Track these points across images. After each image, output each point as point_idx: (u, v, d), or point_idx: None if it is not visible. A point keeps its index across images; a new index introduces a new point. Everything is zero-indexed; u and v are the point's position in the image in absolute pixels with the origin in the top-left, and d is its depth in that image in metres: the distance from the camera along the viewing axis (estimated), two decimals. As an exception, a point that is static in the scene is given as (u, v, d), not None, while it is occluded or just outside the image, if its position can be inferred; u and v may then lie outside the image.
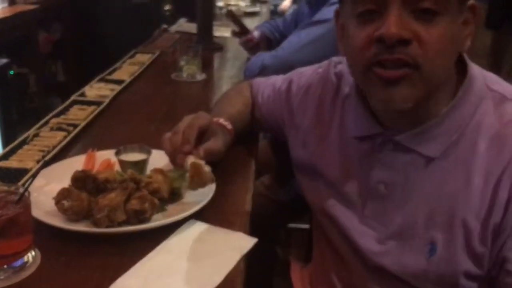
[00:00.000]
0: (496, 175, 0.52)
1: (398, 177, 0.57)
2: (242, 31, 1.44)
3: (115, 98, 1.07)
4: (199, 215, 0.61)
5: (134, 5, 2.78)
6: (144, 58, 1.42)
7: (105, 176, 0.61)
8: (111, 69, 1.28)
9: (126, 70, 1.28)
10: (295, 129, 0.72)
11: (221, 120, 0.75)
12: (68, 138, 0.84)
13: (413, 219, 0.56)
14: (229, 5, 2.59)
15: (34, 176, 0.58)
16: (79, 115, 0.94)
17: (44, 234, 0.55)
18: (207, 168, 0.62)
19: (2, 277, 0.50)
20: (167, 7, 2.25)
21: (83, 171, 0.62)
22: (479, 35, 1.78)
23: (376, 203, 0.60)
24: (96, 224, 0.56)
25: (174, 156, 0.65)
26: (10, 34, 1.98)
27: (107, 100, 1.03)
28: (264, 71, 1.15)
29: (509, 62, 1.63)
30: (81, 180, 0.61)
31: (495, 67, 1.72)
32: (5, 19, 1.94)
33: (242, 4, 2.69)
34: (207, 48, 1.49)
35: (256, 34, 1.44)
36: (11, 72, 1.86)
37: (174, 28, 1.95)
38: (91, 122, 0.93)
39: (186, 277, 0.51)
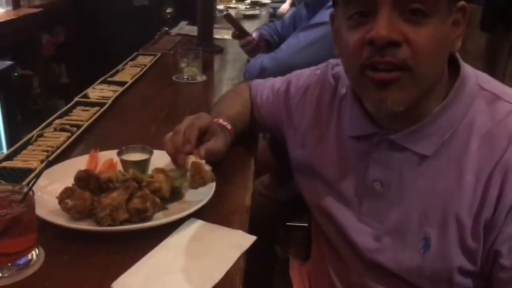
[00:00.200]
0: (487, 172, 0.52)
1: (393, 176, 0.58)
2: (241, 34, 1.46)
3: (117, 99, 1.08)
4: (199, 214, 0.61)
5: (136, 8, 2.80)
6: (145, 60, 1.44)
7: (108, 176, 0.62)
8: (113, 71, 1.30)
9: (128, 72, 1.29)
10: (293, 129, 0.73)
11: (221, 121, 0.76)
12: (72, 139, 0.85)
13: (408, 216, 0.57)
14: (229, 7, 2.61)
15: (38, 175, 0.59)
16: (82, 116, 0.95)
17: (48, 233, 0.56)
18: (207, 168, 0.63)
19: (6, 275, 0.50)
20: (168, 10, 2.27)
21: (86, 171, 0.63)
22: (475, 37, 1.78)
23: (372, 201, 0.61)
24: (98, 222, 0.57)
25: (176, 156, 0.66)
26: (14, 37, 2.00)
27: (109, 101, 1.04)
28: (263, 73, 1.16)
29: (503, 63, 1.63)
30: (84, 179, 0.61)
31: (490, 68, 1.72)
32: (9, 22, 1.96)
33: (242, 7, 2.71)
34: (207, 50, 1.50)
35: (254, 35, 1.45)
36: (15, 74, 1.88)
37: (175, 30, 1.97)
38: (94, 123, 0.94)
39: (187, 275, 0.52)
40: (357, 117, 0.62)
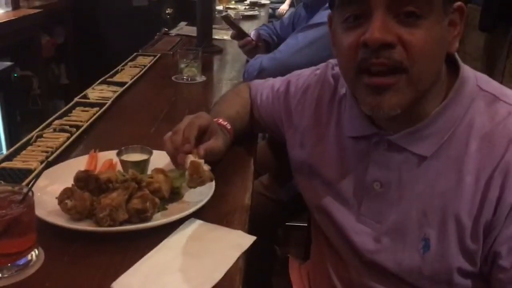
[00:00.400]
0: (487, 174, 0.52)
1: (393, 176, 0.58)
2: (240, 35, 1.46)
3: (117, 99, 1.09)
4: (199, 214, 0.62)
5: (135, 9, 2.81)
6: (145, 60, 1.44)
7: (107, 176, 0.62)
8: (113, 71, 1.30)
9: (127, 73, 1.29)
10: (293, 129, 0.73)
11: (221, 120, 0.76)
12: (71, 139, 0.85)
13: (407, 216, 0.57)
14: (228, 8, 2.61)
15: (37, 176, 0.59)
16: (82, 116, 0.95)
17: (48, 233, 0.56)
18: (206, 167, 0.63)
19: (6, 275, 0.51)
20: (167, 11, 2.28)
21: (85, 171, 0.63)
22: (473, 37, 1.78)
23: (371, 201, 0.61)
24: (98, 223, 0.57)
25: (175, 156, 0.66)
26: (14, 38, 2.00)
27: (109, 102, 1.04)
28: (262, 73, 1.16)
29: (502, 64, 1.62)
30: (84, 180, 0.62)
31: (488, 69, 1.72)
32: (9, 23, 1.96)
33: (241, 7, 2.72)
34: (206, 50, 1.50)
35: (252, 35, 1.45)
36: (15, 75, 1.88)
37: (174, 31, 1.97)
38: (94, 123, 0.94)
39: (186, 275, 0.52)
40: (356, 118, 0.62)
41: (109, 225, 0.57)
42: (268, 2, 3.21)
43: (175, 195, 0.66)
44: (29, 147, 0.81)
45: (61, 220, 0.57)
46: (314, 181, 0.68)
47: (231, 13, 2.36)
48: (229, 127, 0.76)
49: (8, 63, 1.74)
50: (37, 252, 0.54)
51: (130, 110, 1.07)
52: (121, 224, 0.58)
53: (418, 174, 0.56)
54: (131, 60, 1.44)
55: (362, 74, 0.52)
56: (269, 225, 1.18)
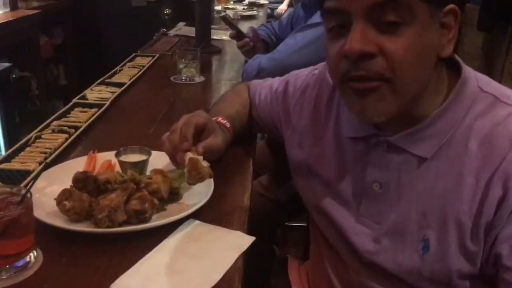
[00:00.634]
0: (488, 175, 0.52)
1: (392, 177, 0.58)
2: (238, 35, 1.46)
3: (115, 100, 1.08)
4: (198, 215, 0.61)
5: (134, 10, 2.81)
6: (143, 61, 1.44)
7: (106, 177, 0.62)
8: (111, 72, 1.30)
9: (126, 73, 1.29)
10: (292, 129, 0.73)
11: (220, 119, 0.76)
12: (70, 140, 0.85)
13: (407, 217, 0.57)
14: (227, 8, 2.61)
15: (36, 177, 0.59)
16: (80, 117, 0.95)
17: (46, 235, 0.56)
18: (205, 163, 0.63)
19: (4, 277, 0.50)
20: (166, 11, 2.27)
21: (84, 172, 0.63)
22: (472, 36, 1.79)
23: (371, 202, 0.60)
24: (97, 224, 0.57)
25: (174, 155, 0.65)
26: (12, 39, 2.00)
27: (107, 103, 1.04)
28: (261, 73, 1.16)
29: (501, 63, 1.63)
30: (82, 181, 0.61)
31: (487, 68, 1.73)
32: (7, 24, 1.96)
33: (239, 8, 2.72)
34: (205, 51, 1.51)
35: (247, 32, 1.45)
36: (14, 76, 1.88)
37: (173, 31, 1.97)
38: (92, 124, 0.94)
39: (185, 275, 0.52)
40: (355, 118, 0.62)
41: (108, 226, 0.57)
42: (267, 2, 3.21)
43: (174, 195, 0.66)
44: (28, 148, 0.81)
45: (59, 221, 0.57)
46: (313, 181, 0.68)
47: (230, 13, 2.36)
48: (228, 126, 0.76)
49: (7, 64, 1.73)
50: (35, 253, 0.54)
51: (128, 110, 1.07)
52: (120, 225, 0.58)
53: (418, 175, 0.56)
54: (129, 61, 1.44)
55: (346, 82, 0.53)
56: (268, 225, 1.18)
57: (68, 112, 0.98)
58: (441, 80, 0.56)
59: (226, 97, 0.89)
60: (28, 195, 0.53)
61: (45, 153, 0.79)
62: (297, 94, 0.74)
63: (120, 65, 1.37)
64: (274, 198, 1.15)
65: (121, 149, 0.73)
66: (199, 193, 0.64)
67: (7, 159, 0.77)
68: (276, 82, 0.80)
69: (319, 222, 0.69)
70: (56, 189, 0.60)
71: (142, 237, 0.57)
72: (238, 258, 0.55)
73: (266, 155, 1.20)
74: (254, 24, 2.17)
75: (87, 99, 1.07)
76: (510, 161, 0.51)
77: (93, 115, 0.97)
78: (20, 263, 0.52)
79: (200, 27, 1.60)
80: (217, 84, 1.33)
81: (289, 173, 0.76)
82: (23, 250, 0.52)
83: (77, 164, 0.71)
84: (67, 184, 0.62)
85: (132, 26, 2.65)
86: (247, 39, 1.42)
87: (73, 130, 0.89)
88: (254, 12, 2.62)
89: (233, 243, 0.57)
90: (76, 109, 1.00)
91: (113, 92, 1.12)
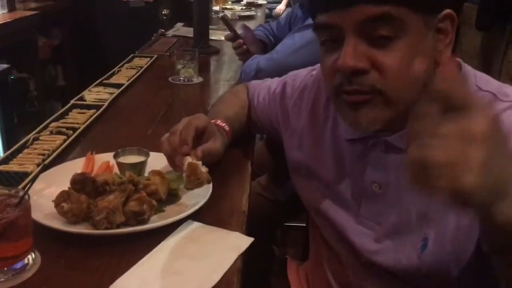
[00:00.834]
0: None
1: (391, 177, 0.58)
2: (234, 36, 1.46)
3: (113, 101, 1.08)
4: (196, 216, 0.61)
5: (132, 10, 2.80)
6: (142, 62, 1.44)
7: (104, 179, 0.62)
8: (109, 73, 1.29)
9: (124, 74, 1.29)
10: (290, 131, 0.73)
11: (219, 122, 0.76)
12: (68, 142, 0.85)
13: (407, 217, 0.57)
14: (225, 9, 2.61)
15: (34, 179, 0.59)
16: (79, 118, 0.95)
17: (44, 237, 0.56)
18: (203, 169, 0.63)
19: (2, 279, 0.50)
20: (164, 12, 2.27)
21: (82, 174, 0.63)
22: (470, 36, 1.79)
23: (371, 203, 0.61)
24: (95, 226, 0.57)
25: (173, 157, 0.65)
26: (10, 40, 1.99)
27: (105, 104, 1.04)
28: (259, 73, 1.16)
29: (499, 62, 1.63)
30: (80, 182, 0.61)
31: (485, 67, 1.73)
32: (5, 25, 1.95)
33: (238, 8, 2.72)
34: (203, 51, 1.50)
35: (240, 32, 1.45)
36: (12, 77, 1.88)
37: (171, 32, 1.97)
38: (90, 125, 0.94)
39: (184, 277, 0.52)
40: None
41: (106, 228, 0.57)
42: (265, 2, 3.21)
43: (172, 197, 0.65)
44: (26, 150, 0.81)
45: (57, 223, 0.57)
46: (312, 182, 0.68)
47: (228, 13, 2.36)
48: (227, 129, 0.76)
49: (5, 66, 1.73)
50: (33, 255, 0.54)
51: (126, 111, 1.06)
52: (118, 226, 0.58)
53: None
54: (127, 62, 1.43)
55: (340, 94, 0.53)
56: (267, 226, 1.18)
57: (66, 113, 0.98)
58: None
59: (225, 98, 0.89)
60: (26, 197, 0.53)
61: (43, 154, 0.79)
62: (295, 95, 0.74)
63: (118, 66, 1.37)
64: (273, 198, 1.15)
65: (119, 150, 0.73)
66: (198, 195, 0.64)
67: (5, 160, 0.77)
68: (274, 83, 0.80)
69: (318, 222, 0.70)
70: (54, 191, 0.60)
71: (141, 238, 0.57)
72: (236, 259, 0.55)
73: (265, 155, 1.20)
74: (252, 24, 2.17)
75: (85, 100, 1.06)
76: None
77: (91, 116, 0.97)
78: (18, 265, 0.52)
79: (198, 28, 1.60)
80: (215, 84, 1.33)
81: (288, 173, 0.76)
82: (21, 252, 0.52)
83: (75, 166, 0.71)
84: (65, 185, 0.61)
85: (130, 27, 2.64)
86: (240, 40, 1.42)
87: (71, 131, 0.89)
88: (252, 12, 2.62)
89: (231, 244, 0.57)
90: (74, 110, 1.00)
91: (111, 93, 1.12)
